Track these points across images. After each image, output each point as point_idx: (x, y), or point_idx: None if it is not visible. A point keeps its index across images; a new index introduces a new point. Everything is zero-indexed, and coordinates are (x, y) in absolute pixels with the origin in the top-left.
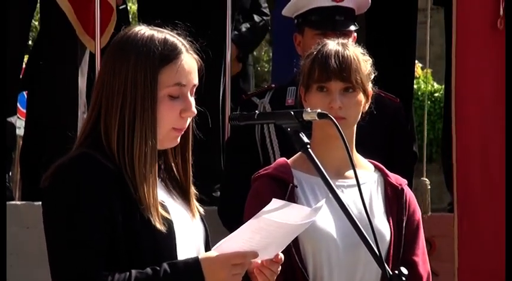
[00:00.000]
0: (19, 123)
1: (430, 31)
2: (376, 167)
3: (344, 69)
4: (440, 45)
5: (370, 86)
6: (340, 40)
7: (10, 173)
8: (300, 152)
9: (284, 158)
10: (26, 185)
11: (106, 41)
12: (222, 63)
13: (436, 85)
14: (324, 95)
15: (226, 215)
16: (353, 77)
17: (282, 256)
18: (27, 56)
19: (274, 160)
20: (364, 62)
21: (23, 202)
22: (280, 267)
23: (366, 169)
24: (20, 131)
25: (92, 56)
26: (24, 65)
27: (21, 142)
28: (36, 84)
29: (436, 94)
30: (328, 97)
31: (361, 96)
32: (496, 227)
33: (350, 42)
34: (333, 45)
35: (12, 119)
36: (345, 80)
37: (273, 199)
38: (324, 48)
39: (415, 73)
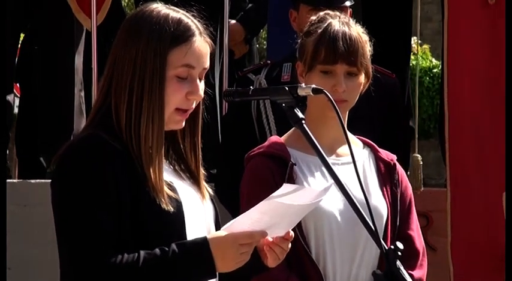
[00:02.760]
0: (17, 101)
1: (429, 7)
2: (364, 143)
3: (351, 53)
4: (439, 22)
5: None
6: (342, 18)
7: (8, 152)
8: (292, 130)
9: (277, 136)
10: (22, 163)
11: (102, 18)
12: (217, 41)
13: (434, 61)
14: (328, 77)
15: (223, 192)
16: (359, 60)
17: (292, 233)
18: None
19: (271, 136)
20: (365, 43)
21: (20, 180)
22: (290, 245)
23: (356, 146)
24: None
25: (88, 34)
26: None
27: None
28: (33, 63)
29: (435, 70)
30: (332, 79)
31: (362, 78)
32: (489, 201)
33: (351, 20)
34: (338, 25)
35: (9, 98)
36: (351, 64)
37: (284, 184)
38: (329, 28)
39: (414, 49)
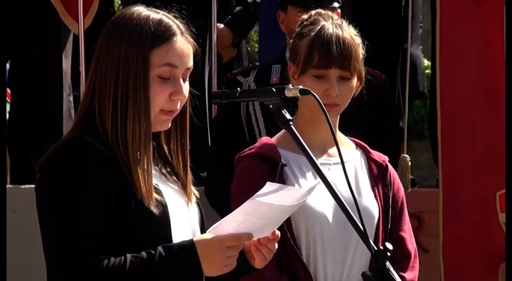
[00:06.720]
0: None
1: (421, 8)
2: (357, 144)
3: (345, 57)
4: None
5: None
6: (335, 20)
7: None
8: (283, 131)
9: (268, 137)
10: (13, 169)
11: (89, 22)
12: (207, 44)
13: (426, 62)
14: (320, 81)
15: (213, 195)
16: (352, 65)
17: (278, 233)
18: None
19: (261, 138)
20: (358, 47)
21: (10, 186)
22: (277, 244)
23: (349, 147)
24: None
25: (76, 38)
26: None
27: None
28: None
29: (427, 71)
30: (325, 83)
31: (355, 82)
32: (482, 201)
33: (344, 22)
34: (331, 28)
35: None
36: (344, 68)
37: (267, 183)
38: (322, 31)
39: None
